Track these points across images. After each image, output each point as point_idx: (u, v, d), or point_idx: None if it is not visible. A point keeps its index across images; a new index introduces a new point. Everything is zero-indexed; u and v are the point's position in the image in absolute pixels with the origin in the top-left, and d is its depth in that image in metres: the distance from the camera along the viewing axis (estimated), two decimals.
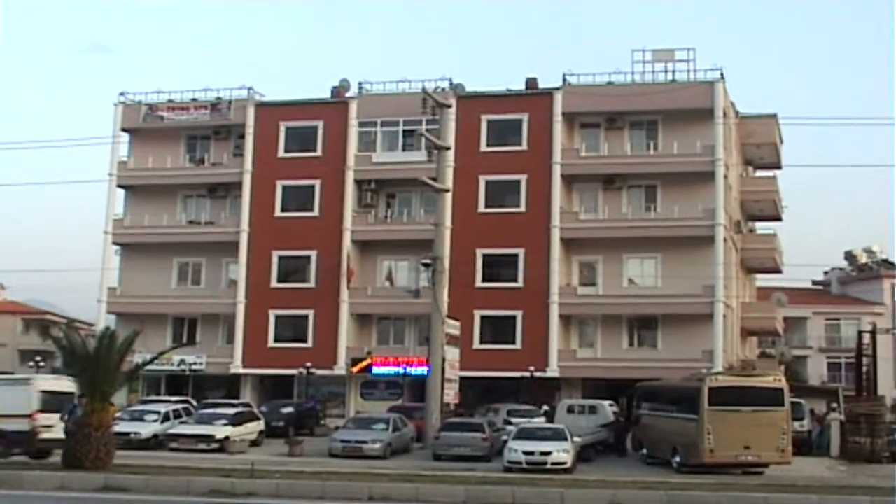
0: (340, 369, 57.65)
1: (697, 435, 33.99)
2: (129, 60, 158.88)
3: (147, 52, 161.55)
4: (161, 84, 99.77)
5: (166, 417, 43.69)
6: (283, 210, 60.07)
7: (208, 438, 40.48)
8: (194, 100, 62.61)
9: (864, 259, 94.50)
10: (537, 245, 56.33)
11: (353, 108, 59.92)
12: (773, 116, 62.84)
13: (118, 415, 41.15)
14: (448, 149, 48.75)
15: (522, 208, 57.14)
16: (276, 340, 59.02)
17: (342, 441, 39.65)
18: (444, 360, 44.88)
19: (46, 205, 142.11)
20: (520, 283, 56.40)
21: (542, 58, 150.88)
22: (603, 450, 40.65)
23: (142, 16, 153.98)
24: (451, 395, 45.99)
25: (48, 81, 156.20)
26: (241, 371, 59.25)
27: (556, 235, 56.47)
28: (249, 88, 62.39)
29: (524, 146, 57.74)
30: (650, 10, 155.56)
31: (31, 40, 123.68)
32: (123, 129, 63.78)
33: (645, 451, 39.58)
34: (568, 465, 34.34)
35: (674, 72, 56.89)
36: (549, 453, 34.34)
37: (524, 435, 36.08)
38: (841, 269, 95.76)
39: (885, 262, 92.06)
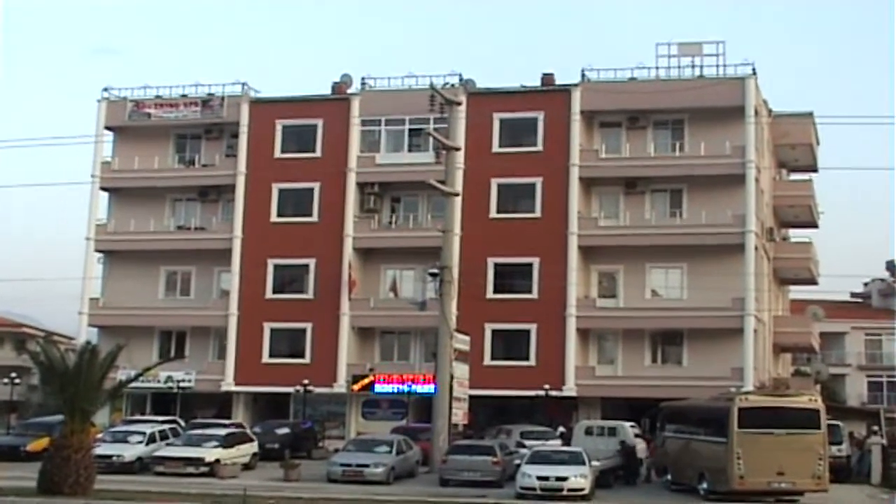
0: (340, 387, 57.62)
1: (726, 459, 33.82)
2: (115, 54, 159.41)
3: (133, 46, 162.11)
4: (148, 79, 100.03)
5: (152, 439, 43.59)
6: (279, 215, 60.12)
7: (197, 462, 40.36)
8: (184, 96, 62.71)
9: None
10: (553, 253, 56.27)
11: (356, 105, 59.97)
12: (809, 115, 62.68)
13: (99, 436, 41.17)
14: (457, 149, 48.72)
15: (537, 214, 57.11)
16: (271, 356, 59.03)
17: (342, 465, 39.55)
18: (452, 377, 44.83)
19: (24, 209, 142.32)
20: (534, 295, 56.34)
21: (558, 52, 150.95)
22: (623, 474, 40.50)
23: (129, 7, 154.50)
24: (460, 415, 45.94)
25: (31, 79, 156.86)
26: (234, 389, 59.23)
27: (573, 243, 56.43)
28: (243, 84, 62.53)
29: (539, 147, 57.73)
30: (676, 1, 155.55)
31: (14, 38, 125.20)
32: (107, 128, 63.92)
33: (669, 476, 39.41)
34: (586, 492, 34.20)
35: (701, 67, 56.88)
36: (565, 479, 34.21)
37: (538, 458, 35.96)
38: (882, 280, 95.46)
39: None
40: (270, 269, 59.69)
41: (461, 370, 45.98)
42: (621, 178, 57.68)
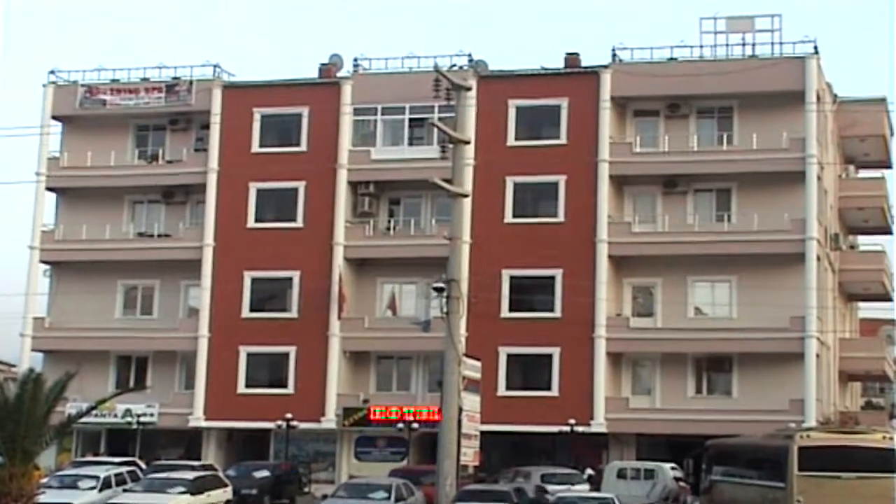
0: (329, 422, 57.57)
1: None
2: (64, 31, 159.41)
3: (86, 20, 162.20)
4: (103, 59, 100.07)
5: (106, 484, 43.39)
6: (257, 220, 60.16)
7: None
8: (145, 80, 62.75)
9: None
10: (579, 265, 56.24)
11: (347, 90, 60.00)
12: (882, 101, 62.50)
13: (44, 481, 40.93)
14: (467, 143, 48.46)
15: (560, 218, 57.12)
16: (247, 385, 59.01)
17: None
18: (460, 410, 44.58)
19: None
20: (557, 313, 56.33)
21: (585, 28, 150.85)
22: None
23: None
24: (470, 454, 45.71)
25: None
26: (204, 424, 59.19)
27: (602, 252, 56.39)
28: (215, 66, 62.69)
29: (563, 139, 57.76)
30: None
31: None
32: (55, 117, 64.02)
33: None
34: None
35: (753, 45, 56.89)
36: None
37: None
38: None
39: None
40: (247, 284, 59.67)
41: (471, 402, 45.73)
42: (659, 176, 57.65)
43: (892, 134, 65.86)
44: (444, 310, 45.63)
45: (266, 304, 59.80)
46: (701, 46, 57.05)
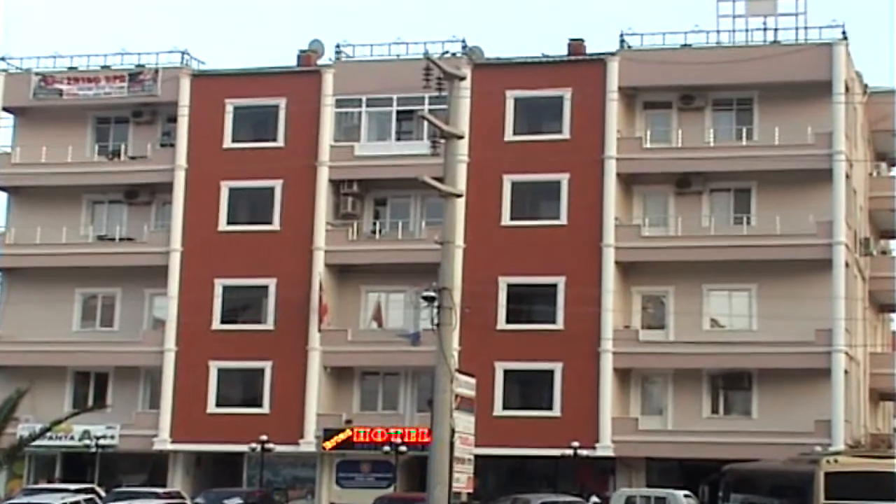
0: (309, 444, 57.57)
1: None
2: (13, 9, 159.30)
3: (39, 2, 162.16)
4: (59, 46, 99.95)
5: None
6: (230, 222, 60.20)
7: None
8: (106, 67, 62.76)
9: None
10: (584, 272, 56.30)
11: (328, 80, 60.02)
12: None
13: None
14: (460, 137, 48.32)
15: (563, 220, 57.25)
16: (218, 404, 59.04)
17: None
18: (453, 431, 44.53)
19: None
20: (559, 325, 56.41)
21: (590, 11, 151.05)
22: None
23: None
24: (464, 480, 45.61)
25: None
26: (170, 447, 59.13)
27: (609, 258, 56.43)
28: (183, 52, 62.68)
29: (566, 134, 57.87)
30: None
31: None
32: (6, 109, 64.13)
33: None
34: None
35: (776, 30, 57.00)
36: None
37: None
38: None
39: None
40: (218, 292, 59.68)
41: (465, 422, 45.61)
42: (671, 175, 57.72)
43: None
44: (435, 321, 45.66)
45: (239, 315, 59.84)
46: (718, 32, 57.27)
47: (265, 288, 59.40)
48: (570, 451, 53.91)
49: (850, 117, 57.49)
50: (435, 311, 45.45)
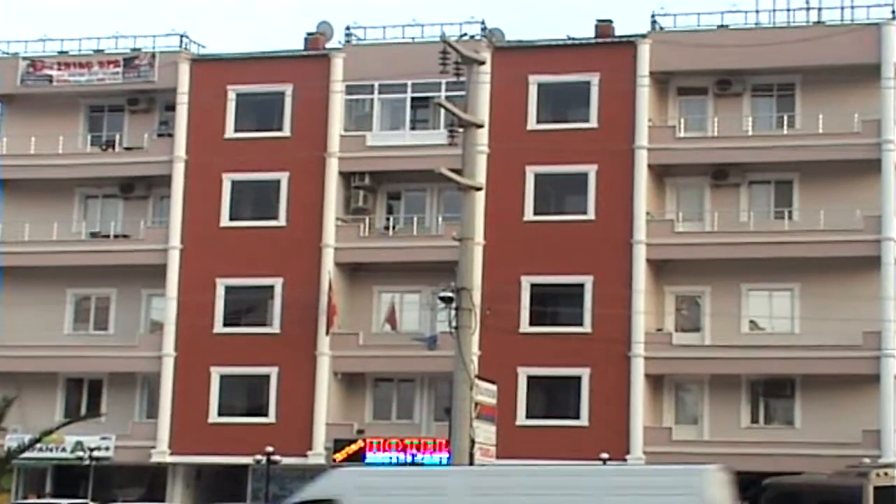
0: (318, 456, 57.57)
1: None
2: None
3: None
4: (49, 28, 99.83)
5: None
6: (232, 217, 60.24)
7: None
8: (99, 52, 62.87)
9: None
10: (613, 270, 56.27)
11: (338, 65, 60.01)
12: None
13: None
14: (479, 126, 48.47)
15: (590, 215, 57.20)
16: (220, 413, 59.09)
17: None
18: (473, 442, 44.53)
19: None
20: (587, 328, 56.37)
21: None
22: None
23: None
24: None
25: None
26: (169, 459, 59.19)
27: (640, 255, 56.40)
28: (182, 36, 62.74)
29: (593, 122, 57.83)
30: None
31: None
32: None
33: None
34: None
35: (819, 9, 56.91)
36: None
37: None
38: None
39: None
40: (220, 293, 59.73)
41: (485, 433, 45.66)
42: (707, 166, 57.62)
43: None
44: (453, 324, 45.62)
45: (242, 318, 59.90)
46: (757, 12, 57.30)
47: (270, 288, 59.43)
48: (599, 463, 53.84)
49: None
50: (453, 312, 45.49)
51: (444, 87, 53.16)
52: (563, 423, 55.78)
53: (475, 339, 45.69)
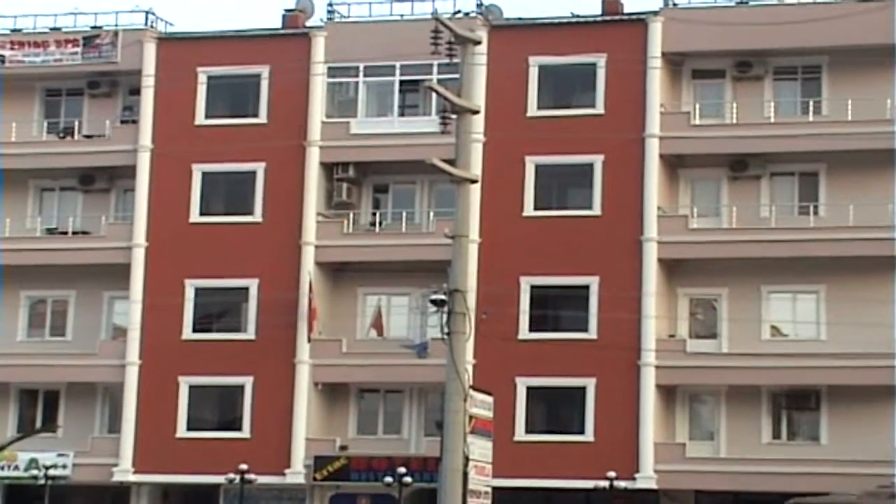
0: (297, 475, 57.69)
1: None
2: None
3: None
4: (1, 5, 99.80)
5: None
6: (203, 212, 60.34)
7: None
8: (57, 30, 62.84)
9: None
10: (621, 270, 56.39)
11: (319, 45, 60.06)
12: None
13: None
14: (475, 112, 48.38)
15: (596, 210, 57.33)
16: (190, 427, 59.18)
17: None
18: (467, 459, 44.59)
19: None
20: (592, 334, 56.45)
21: None
22: None
23: None
24: None
25: None
26: (132, 478, 59.23)
27: (651, 254, 56.49)
28: (148, 13, 62.69)
29: (600, 108, 57.92)
30: None
31: None
32: None
33: None
34: None
35: None
36: None
37: None
38: None
39: None
40: (190, 295, 59.79)
41: (481, 449, 45.67)
42: (725, 156, 57.72)
43: None
44: (445, 329, 45.70)
45: (214, 323, 60.07)
46: None
47: (245, 290, 59.52)
48: (605, 483, 53.90)
49: None
50: (445, 317, 45.63)
51: (435, 69, 53.35)
52: (566, 439, 55.83)
53: (470, 346, 45.72)
